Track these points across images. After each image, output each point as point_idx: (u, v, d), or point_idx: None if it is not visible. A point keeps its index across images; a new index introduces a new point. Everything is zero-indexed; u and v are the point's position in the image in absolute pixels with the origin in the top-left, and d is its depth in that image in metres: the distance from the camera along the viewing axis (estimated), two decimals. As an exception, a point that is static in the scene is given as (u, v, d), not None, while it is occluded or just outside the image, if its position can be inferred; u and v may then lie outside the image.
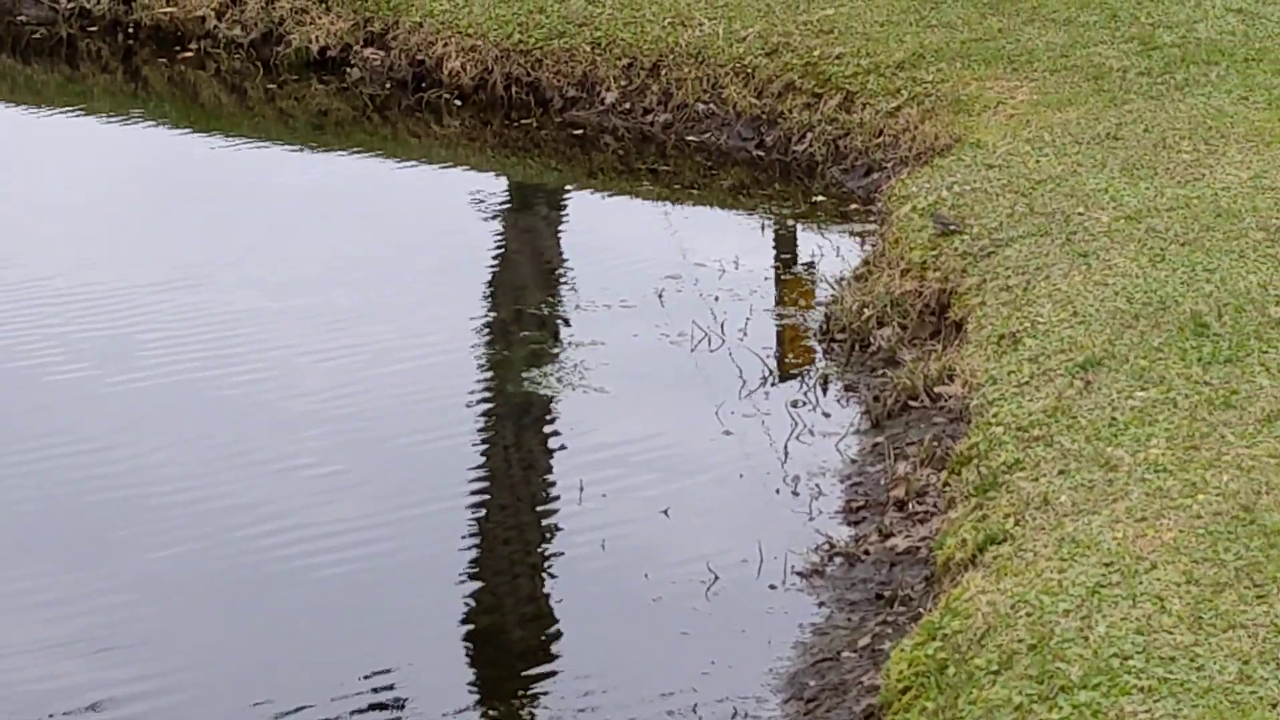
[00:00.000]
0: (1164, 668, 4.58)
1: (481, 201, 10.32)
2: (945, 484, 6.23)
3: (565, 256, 9.53)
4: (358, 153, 11.16)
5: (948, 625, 5.08)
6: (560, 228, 10.18)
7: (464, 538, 6.50)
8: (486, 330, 8.33)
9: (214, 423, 7.33)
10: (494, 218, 10.09)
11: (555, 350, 8.04)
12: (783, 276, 8.98)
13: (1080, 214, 7.91)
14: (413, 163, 11.00)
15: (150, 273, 8.97)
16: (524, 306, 8.57)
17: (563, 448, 7.23)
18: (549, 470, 7.04)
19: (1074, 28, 10.81)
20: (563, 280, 9.00)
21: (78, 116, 11.90)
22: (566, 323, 8.37)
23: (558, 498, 6.80)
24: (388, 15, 11.99)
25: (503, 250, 9.52)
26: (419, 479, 6.90)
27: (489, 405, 7.56)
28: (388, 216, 10.12)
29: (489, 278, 9.09)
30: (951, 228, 8.04)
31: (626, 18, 11.47)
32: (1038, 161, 8.69)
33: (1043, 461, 5.86)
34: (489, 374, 7.86)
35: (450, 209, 10.35)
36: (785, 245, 9.65)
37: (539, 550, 6.43)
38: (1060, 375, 6.47)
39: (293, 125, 11.68)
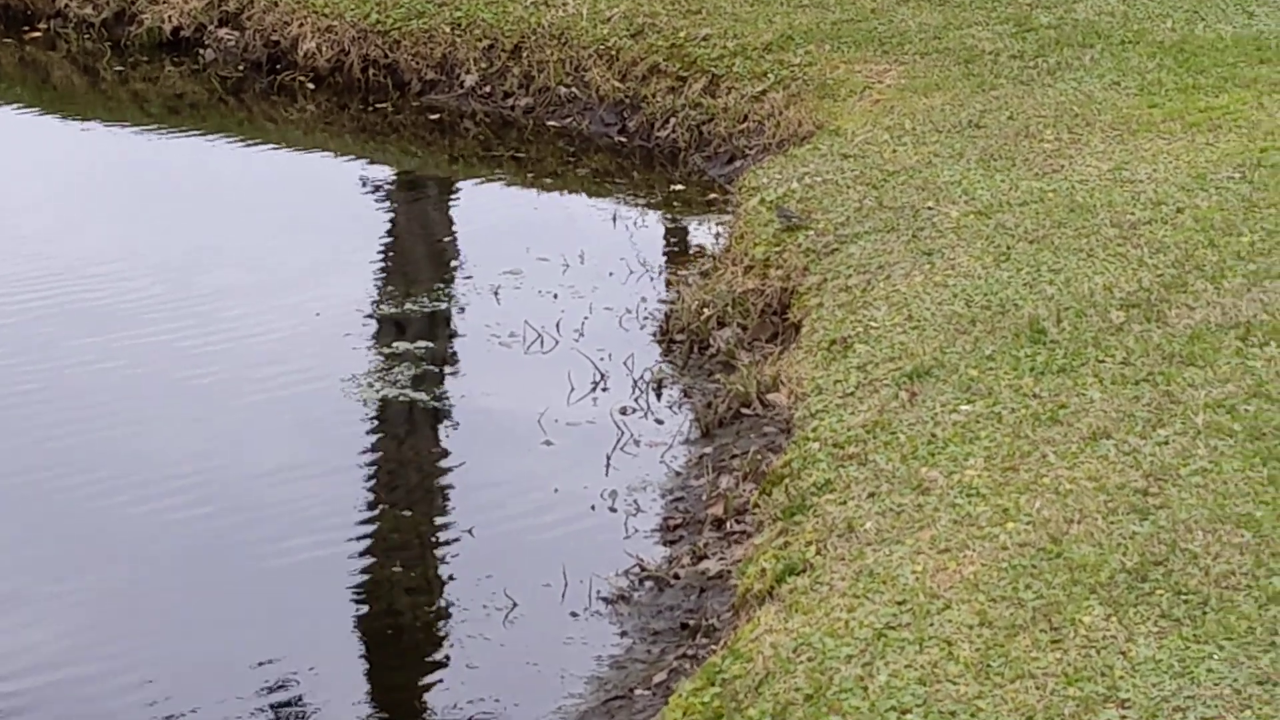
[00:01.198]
0: (943, 724, 4.19)
1: (341, 189, 9.90)
2: (756, 505, 5.83)
3: (412, 249, 9.09)
4: (214, 136, 10.73)
5: (728, 669, 4.68)
6: (413, 217, 9.74)
7: (243, 560, 6.07)
8: (310, 331, 7.88)
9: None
10: (347, 206, 9.67)
11: (377, 354, 7.57)
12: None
13: (930, 208, 7.53)
14: (270, 147, 10.57)
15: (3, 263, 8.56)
16: (356, 306, 8.12)
17: (365, 461, 6.78)
18: (351, 486, 6.58)
19: (950, 8, 10.42)
20: (398, 276, 8.54)
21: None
22: (395, 323, 7.92)
23: (349, 519, 6.34)
24: (243, -7, 11.54)
25: (379, 242, 9.07)
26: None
27: (297, 414, 7.11)
28: (244, 204, 9.71)
29: (327, 272, 8.64)
30: (795, 221, 7.65)
31: (489, -4, 11.05)
32: (894, 151, 8.30)
33: (854, 483, 5.47)
34: (307, 379, 7.41)
35: (307, 196, 9.94)
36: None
37: (316, 579, 5.96)
38: (886, 385, 6.08)
39: (148, 109, 11.21)
